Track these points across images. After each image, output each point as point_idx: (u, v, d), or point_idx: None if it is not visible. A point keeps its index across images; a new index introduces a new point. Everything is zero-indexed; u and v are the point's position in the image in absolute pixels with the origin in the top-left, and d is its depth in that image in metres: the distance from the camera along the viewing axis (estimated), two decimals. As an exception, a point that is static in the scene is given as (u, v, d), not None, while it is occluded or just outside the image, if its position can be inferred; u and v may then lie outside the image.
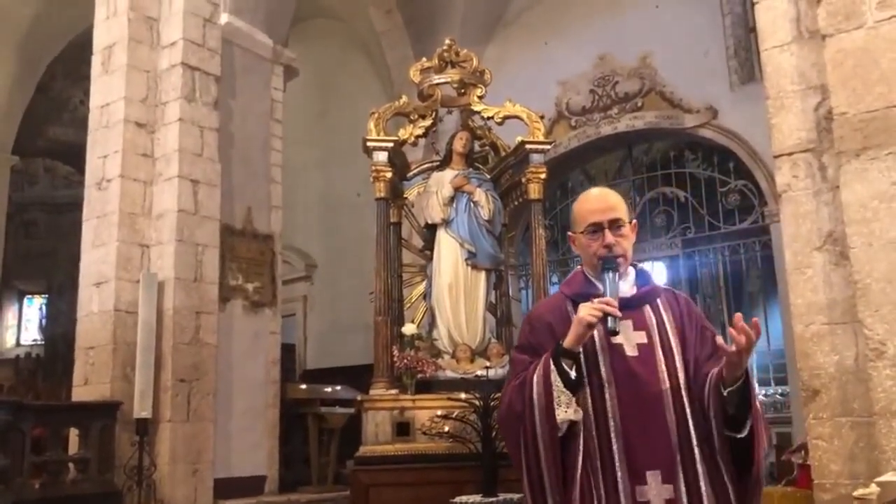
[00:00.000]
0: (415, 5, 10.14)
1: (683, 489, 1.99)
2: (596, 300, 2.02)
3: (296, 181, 10.25)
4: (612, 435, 2.00)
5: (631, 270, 2.22)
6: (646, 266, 2.25)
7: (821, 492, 3.90)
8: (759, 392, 9.54)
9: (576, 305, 2.11)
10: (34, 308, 16.89)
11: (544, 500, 2.03)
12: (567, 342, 2.02)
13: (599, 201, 2.22)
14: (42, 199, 16.12)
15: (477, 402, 4.95)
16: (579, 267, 2.28)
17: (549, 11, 10.00)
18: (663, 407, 2.05)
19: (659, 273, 10.27)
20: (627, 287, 2.18)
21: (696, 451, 2.03)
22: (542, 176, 5.76)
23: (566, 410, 1.99)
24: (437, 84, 6.09)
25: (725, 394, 2.00)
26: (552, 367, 2.01)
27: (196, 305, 6.78)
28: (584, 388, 2.04)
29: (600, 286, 2.11)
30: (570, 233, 2.27)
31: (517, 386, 2.07)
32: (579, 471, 2.00)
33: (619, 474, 1.97)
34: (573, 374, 2.01)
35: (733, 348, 1.93)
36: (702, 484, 2.00)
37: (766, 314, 9.24)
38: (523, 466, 2.05)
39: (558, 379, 2.00)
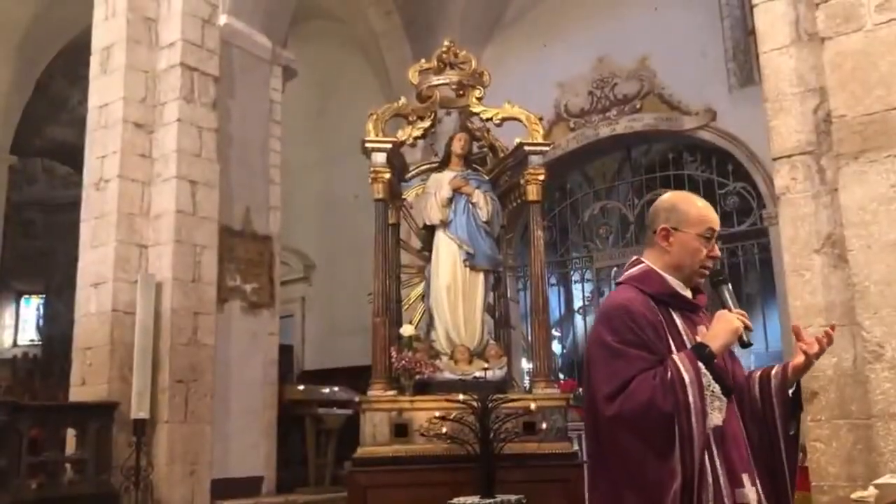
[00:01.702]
0: (414, 6, 10.14)
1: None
2: (735, 310, 2.10)
3: (294, 182, 10.25)
4: (713, 440, 2.01)
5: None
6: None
7: (819, 494, 3.90)
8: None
9: (659, 304, 2.11)
10: (31, 308, 16.85)
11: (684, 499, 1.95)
12: (717, 348, 2.02)
13: (712, 210, 2.22)
14: (40, 200, 16.09)
15: (475, 404, 4.94)
16: (646, 264, 2.20)
17: (547, 13, 10.01)
18: (736, 412, 2.13)
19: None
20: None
21: (750, 454, 2.13)
22: (541, 177, 5.75)
23: (717, 416, 1.98)
24: (436, 85, 6.07)
25: (791, 394, 2.18)
26: (704, 371, 1.98)
27: (194, 306, 6.78)
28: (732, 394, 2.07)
29: (677, 287, 2.17)
30: (670, 226, 2.17)
31: (659, 385, 1.95)
32: (709, 475, 1.98)
33: (721, 478, 1.99)
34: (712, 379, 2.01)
35: (816, 349, 2.12)
36: (758, 485, 2.09)
37: (764, 316, 9.23)
38: (677, 466, 1.92)
39: (714, 384, 1.98)
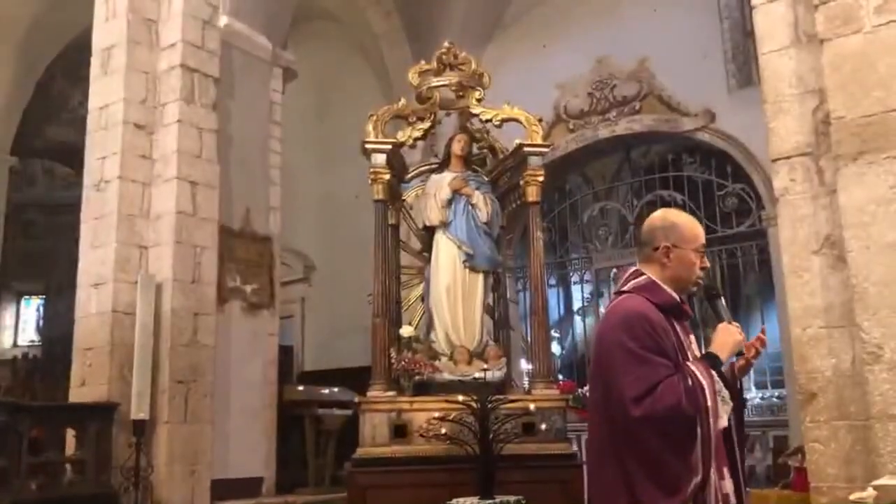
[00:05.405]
0: (414, 7, 10.15)
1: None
2: (734, 324, 2.35)
3: (294, 183, 10.25)
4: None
5: None
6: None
7: (817, 495, 3.91)
8: (757, 395, 9.59)
9: (665, 314, 2.30)
10: (32, 309, 16.85)
11: (696, 496, 2.14)
12: (725, 358, 2.29)
13: (700, 226, 2.45)
14: (40, 200, 16.10)
15: (474, 405, 4.95)
16: (648, 276, 2.37)
17: (547, 14, 10.02)
18: None
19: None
20: None
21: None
22: (540, 178, 5.76)
23: (724, 419, 2.22)
24: (436, 86, 6.09)
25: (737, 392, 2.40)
26: (716, 378, 2.21)
27: (194, 307, 6.78)
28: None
29: (677, 298, 2.36)
30: (671, 244, 2.35)
31: (684, 391, 2.14)
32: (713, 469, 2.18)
33: (713, 471, 2.18)
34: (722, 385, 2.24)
35: (752, 353, 2.37)
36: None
37: (763, 317, 9.25)
38: (698, 463, 2.12)
39: (724, 390, 2.21)
